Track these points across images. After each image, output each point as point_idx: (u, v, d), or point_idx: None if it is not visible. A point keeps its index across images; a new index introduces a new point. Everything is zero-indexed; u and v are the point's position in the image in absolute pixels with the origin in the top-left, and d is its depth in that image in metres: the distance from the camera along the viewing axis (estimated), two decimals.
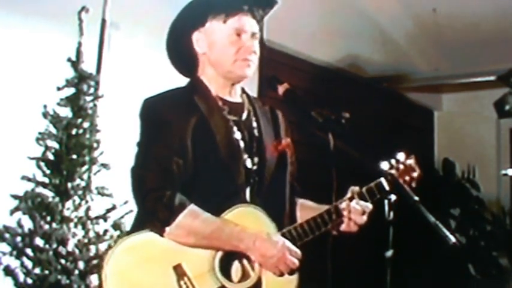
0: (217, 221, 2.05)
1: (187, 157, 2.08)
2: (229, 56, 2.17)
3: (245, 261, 2.08)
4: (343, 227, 2.16)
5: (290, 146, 2.27)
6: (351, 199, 2.14)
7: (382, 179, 2.13)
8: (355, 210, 2.14)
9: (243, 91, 2.30)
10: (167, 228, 2.00)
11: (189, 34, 2.22)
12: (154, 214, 2.01)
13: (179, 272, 2.00)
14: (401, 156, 2.21)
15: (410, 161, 2.21)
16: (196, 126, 2.11)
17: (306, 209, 2.29)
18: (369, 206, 2.15)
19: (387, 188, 2.12)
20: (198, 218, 2.03)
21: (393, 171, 2.17)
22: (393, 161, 2.19)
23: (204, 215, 2.04)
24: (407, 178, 2.20)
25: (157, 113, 2.13)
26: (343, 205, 2.14)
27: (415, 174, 2.21)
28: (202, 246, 2.04)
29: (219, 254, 2.05)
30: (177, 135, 2.08)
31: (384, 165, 2.16)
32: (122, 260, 2.01)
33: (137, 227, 2.09)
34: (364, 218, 2.16)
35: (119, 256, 2.01)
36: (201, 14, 2.20)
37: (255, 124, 2.24)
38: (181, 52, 2.25)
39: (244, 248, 2.05)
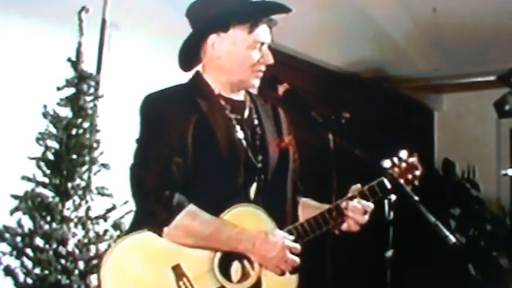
0: (216, 222, 2.04)
1: (187, 157, 2.06)
2: (246, 66, 2.17)
3: (245, 261, 2.07)
4: (344, 227, 2.16)
5: (292, 144, 2.26)
6: (352, 198, 2.14)
7: (384, 178, 2.12)
8: (356, 210, 2.13)
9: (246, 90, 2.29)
10: (165, 229, 2.00)
11: (205, 35, 2.18)
12: (153, 214, 2.00)
13: (178, 272, 1.99)
14: (403, 154, 2.19)
15: (413, 159, 2.20)
16: (197, 125, 2.09)
17: (308, 208, 2.28)
18: (371, 205, 2.14)
19: (389, 186, 2.10)
20: (197, 219, 2.02)
21: (396, 169, 2.16)
22: (395, 159, 2.17)
23: (203, 216, 2.03)
24: (409, 177, 2.18)
25: (158, 111, 2.12)
26: (344, 204, 2.13)
27: (417, 173, 2.20)
28: (200, 247, 2.03)
29: (219, 254, 2.04)
30: (177, 134, 2.07)
31: (386, 164, 2.14)
32: (120, 259, 1.99)
33: (136, 226, 2.08)
34: (366, 217, 2.15)
35: (117, 255, 2.00)
36: (224, 18, 2.16)
37: (256, 122, 2.23)
38: (191, 50, 2.23)
39: (243, 250, 2.05)
